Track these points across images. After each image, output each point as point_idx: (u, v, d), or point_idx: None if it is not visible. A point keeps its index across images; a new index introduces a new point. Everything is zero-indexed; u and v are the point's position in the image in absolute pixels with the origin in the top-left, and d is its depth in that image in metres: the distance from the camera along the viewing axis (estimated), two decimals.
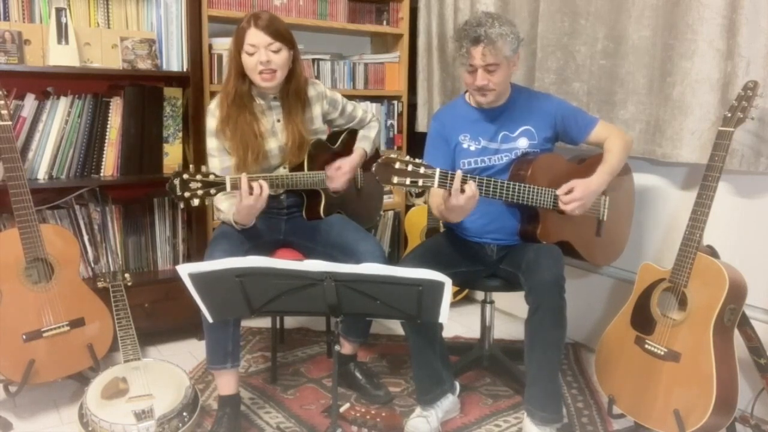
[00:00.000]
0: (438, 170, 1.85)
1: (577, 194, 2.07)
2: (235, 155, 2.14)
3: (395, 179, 1.82)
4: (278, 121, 2.24)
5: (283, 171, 2.25)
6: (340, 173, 2.31)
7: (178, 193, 1.86)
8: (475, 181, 1.93)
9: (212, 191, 1.91)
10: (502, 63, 2.06)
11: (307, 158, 2.24)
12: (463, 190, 1.88)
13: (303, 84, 2.25)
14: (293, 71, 2.20)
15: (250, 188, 1.95)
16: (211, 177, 1.91)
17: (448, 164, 2.21)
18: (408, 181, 1.83)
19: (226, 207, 2.13)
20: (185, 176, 1.87)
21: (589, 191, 2.09)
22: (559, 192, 2.09)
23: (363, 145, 2.44)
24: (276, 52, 2.09)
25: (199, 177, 1.89)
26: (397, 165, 1.82)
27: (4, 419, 2.15)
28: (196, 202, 1.89)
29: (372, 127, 2.51)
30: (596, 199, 2.19)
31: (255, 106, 2.20)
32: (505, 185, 2.03)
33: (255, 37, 2.07)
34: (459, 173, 1.87)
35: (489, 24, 2.04)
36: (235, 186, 1.95)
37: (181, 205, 1.88)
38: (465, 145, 2.21)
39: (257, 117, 2.19)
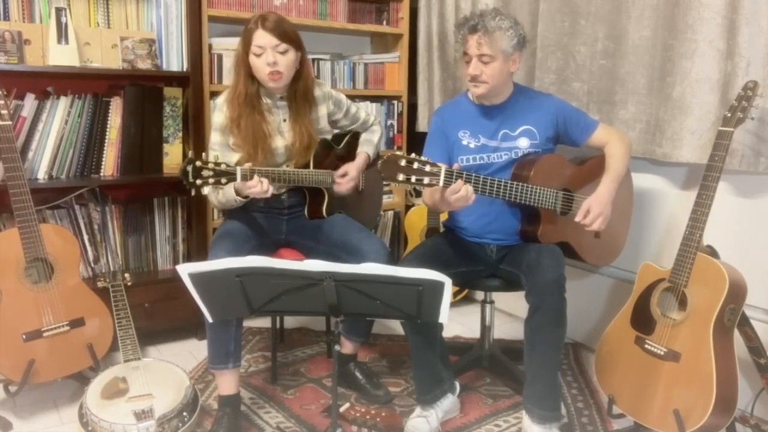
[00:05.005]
0: (443, 169, 1.85)
1: (596, 210, 2.08)
2: (244, 151, 2.14)
3: (400, 176, 1.81)
4: (284, 120, 2.25)
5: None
6: (347, 179, 2.34)
7: (191, 179, 1.84)
8: (480, 180, 1.93)
9: (223, 180, 1.90)
10: (498, 57, 2.06)
11: (312, 157, 2.25)
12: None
13: (310, 85, 2.27)
14: (300, 72, 2.21)
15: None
16: (223, 166, 1.90)
17: (445, 159, 2.20)
18: (413, 178, 1.82)
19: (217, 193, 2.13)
20: (198, 163, 1.85)
21: (604, 203, 2.10)
22: (578, 219, 2.10)
23: (366, 149, 2.46)
24: (283, 53, 2.11)
25: (211, 165, 1.88)
26: (403, 162, 1.81)
27: (4, 419, 2.15)
28: (206, 190, 1.90)
29: (374, 131, 2.53)
30: None
31: (262, 104, 2.21)
32: (508, 185, 2.03)
33: (262, 38, 2.08)
34: (467, 186, 1.89)
35: (491, 16, 2.05)
36: (246, 177, 1.95)
37: (193, 192, 1.88)
38: (464, 142, 2.21)
39: (264, 115, 2.20)
